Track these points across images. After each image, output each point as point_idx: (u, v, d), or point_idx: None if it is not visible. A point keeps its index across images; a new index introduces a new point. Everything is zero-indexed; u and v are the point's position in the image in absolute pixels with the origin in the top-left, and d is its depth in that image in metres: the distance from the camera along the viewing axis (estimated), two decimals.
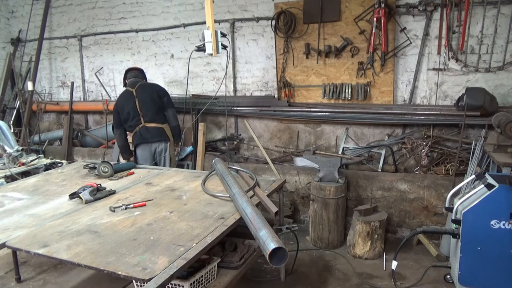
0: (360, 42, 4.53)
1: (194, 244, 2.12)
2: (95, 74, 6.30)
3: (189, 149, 5.28)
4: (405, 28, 4.37)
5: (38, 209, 2.76)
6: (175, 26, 5.57)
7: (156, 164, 4.54)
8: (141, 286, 2.29)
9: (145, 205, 2.75)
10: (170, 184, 3.26)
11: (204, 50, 3.92)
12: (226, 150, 5.28)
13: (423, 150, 4.34)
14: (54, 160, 4.29)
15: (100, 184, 3.05)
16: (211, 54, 3.92)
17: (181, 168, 4.82)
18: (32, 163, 4.08)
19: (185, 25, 5.50)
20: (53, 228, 2.39)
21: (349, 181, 4.42)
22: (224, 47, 4.09)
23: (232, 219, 2.47)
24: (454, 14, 4.12)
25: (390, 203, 4.34)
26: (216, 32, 3.89)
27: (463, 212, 2.94)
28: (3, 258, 3.30)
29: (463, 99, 3.99)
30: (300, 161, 4.94)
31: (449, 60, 4.27)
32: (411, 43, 4.39)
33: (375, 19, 4.21)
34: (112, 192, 3.02)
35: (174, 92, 5.61)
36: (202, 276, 2.47)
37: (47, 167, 4.04)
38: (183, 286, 2.37)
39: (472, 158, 3.88)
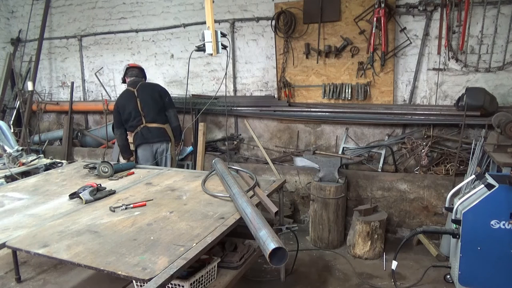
0: (360, 42, 4.53)
1: (194, 244, 2.12)
2: (95, 74, 6.30)
3: (189, 149, 5.28)
4: (405, 28, 4.37)
5: (38, 209, 2.76)
6: (175, 26, 5.57)
7: (157, 164, 4.54)
8: (141, 286, 2.29)
9: (145, 205, 2.75)
10: (170, 184, 3.26)
11: (204, 50, 3.92)
12: (226, 150, 5.28)
13: (423, 150, 4.34)
14: (54, 160, 4.28)
15: (100, 184, 3.05)
16: (211, 54, 3.92)
17: (181, 168, 4.82)
18: (32, 163, 4.08)
19: (185, 25, 5.50)
20: (53, 228, 2.39)
21: (349, 181, 4.42)
22: (224, 47, 4.08)
23: (232, 219, 2.47)
24: (454, 14, 4.12)
25: (390, 203, 4.34)
26: (216, 32, 3.89)
27: (463, 212, 2.94)
28: (3, 258, 3.29)
29: (463, 99, 3.99)
30: (300, 161, 4.94)
31: (449, 60, 4.27)
32: (411, 43, 4.39)
33: (375, 19, 4.21)
34: (112, 192, 3.02)
35: (174, 92, 5.60)
36: (202, 276, 2.47)
37: (47, 167, 4.04)
38: (183, 286, 2.37)
39: (472, 158, 3.88)
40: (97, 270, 1.94)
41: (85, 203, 2.80)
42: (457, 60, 4.23)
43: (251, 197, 2.77)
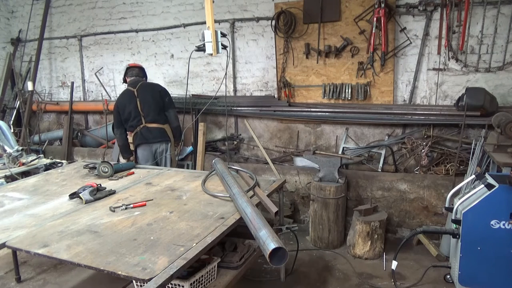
0: (360, 42, 4.53)
1: (194, 244, 2.12)
2: (95, 74, 6.30)
3: (189, 149, 5.28)
4: (405, 28, 4.37)
5: (38, 209, 2.76)
6: (175, 26, 5.57)
7: (157, 164, 4.54)
8: (141, 286, 2.29)
9: (145, 205, 2.75)
10: (170, 184, 3.26)
11: (204, 50, 3.92)
12: (226, 150, 5.28)
13: (423, 150, 4.34)
14: (54, 160, 4.28)
15: (100, 184, 3.05)
16: (211, 54, 3.93)
17: (181, 168, 4.82)
18: (32, 163, 4.08)
19: (185, 25, 5.50)
20: (53, 228, 2.39)
21: (349, 181, 4.42)
22: (224, 47, 4.09)
23: (232, 219, 2.47)
24: (454, 14, 4.12)
25: (390, 203, 4.34)
26: (216, 32, 3.89)
27: (463, 212, 2.94)
28: (3, 258, 3.30)
29: (463, 99, 3.99)
30: (300, 161, 4.94)
31: (449, 60, 4.27)
32: (411, 43, 4.39)
33: (375, 19, 4.21)
34: (112, 192, 3.02)
35: (174, 92, 5.60)
36: (202, 276, 2.47)
37: (47, 167, 4.04)
38: (183, 286, 2.37)
39: (472, 158, 3.88)
40: (97, 270, 1.94)
41: (85, 203, 2.80)
42: (457, 60, 4.23)
43: (251, 197, 2.77)
